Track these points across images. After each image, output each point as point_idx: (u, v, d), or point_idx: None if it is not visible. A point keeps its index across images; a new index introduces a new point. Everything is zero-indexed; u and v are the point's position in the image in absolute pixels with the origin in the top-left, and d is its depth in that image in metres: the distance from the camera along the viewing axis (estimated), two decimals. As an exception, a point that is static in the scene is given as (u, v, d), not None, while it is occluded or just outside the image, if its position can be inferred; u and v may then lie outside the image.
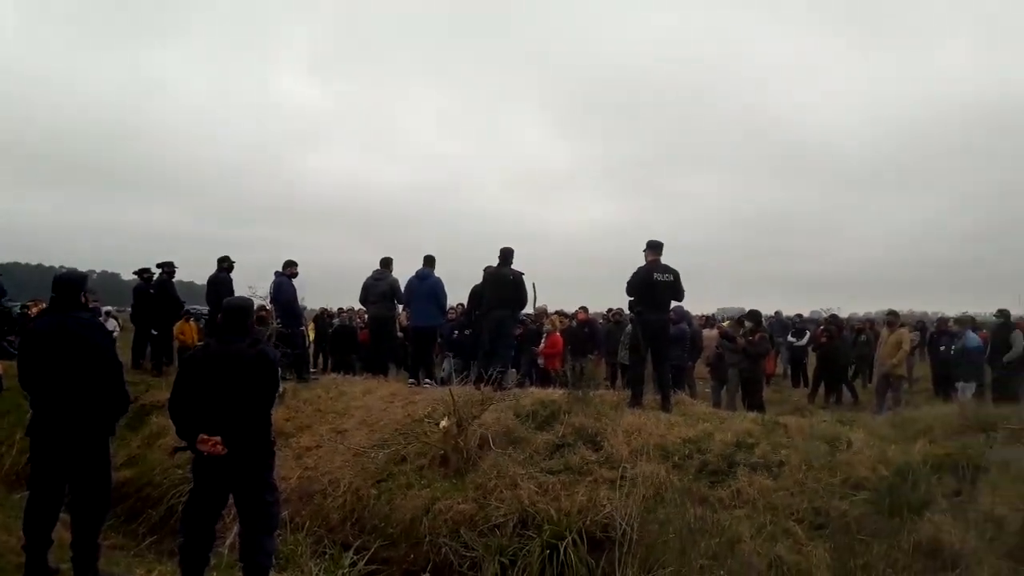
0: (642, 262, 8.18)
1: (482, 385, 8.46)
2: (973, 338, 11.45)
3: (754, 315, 11.22)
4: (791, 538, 5.38)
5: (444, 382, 10.75)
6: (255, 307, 7.55)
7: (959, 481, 5.82)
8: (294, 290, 10.48)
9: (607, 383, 11.58)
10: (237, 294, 9.02)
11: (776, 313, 19.19)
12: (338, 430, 8.01)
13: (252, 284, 10.52)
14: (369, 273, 10.63)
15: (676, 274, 8.11)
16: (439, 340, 12.15)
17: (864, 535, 5.06)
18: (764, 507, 5.77)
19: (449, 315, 12.36)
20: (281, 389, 7.83)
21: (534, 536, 5.60)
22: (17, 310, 15.55)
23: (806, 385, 14.86)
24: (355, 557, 5.42)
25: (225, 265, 11.12)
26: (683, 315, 11.60)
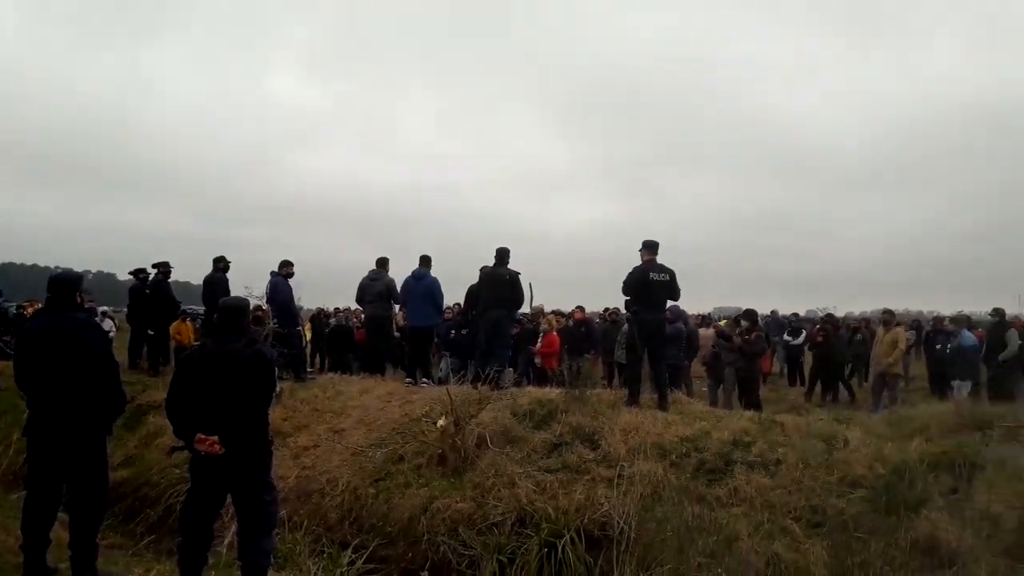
0: (638, 262, 8.19)
1: (479, 384, 8.46)
2: (969, 337, 11.48)
3: (750, 314, 11.24)
4: (788, 536, 5.39)
5: (441, 382, 10.75)
6: (251, 307, 7.56)
7: (955, 479, 5.84)
8: (290, 290, 10.47)
9: (604, 382, 11.61)
10: (233, 294, 9.01)
11: (772, 312, 19.24)
12: (335, 429, 8.01)
13: (248, 284, 10.52)
14: (366, 273, 10.62)
15: (672, 273, 8.12)
16: (436, 340, 12.15)
17: (861, 533, 5.08)
18: (761, 505, 5.79)
19: (446, 315, 12.35)
20: (278, 389, 7.80)
21: (532, 535, 5.62)
22: (13, 310, 15.49)
23: (802, 384, 14.87)
24: (353, 556, 5.43)
25: (221, 265, 11.11)
26: (679, 314, 11.60)
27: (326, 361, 15.84)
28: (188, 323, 13.19)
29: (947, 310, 18.24)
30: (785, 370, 16.70)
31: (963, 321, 12.35)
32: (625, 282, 8.15)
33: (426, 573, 5.59)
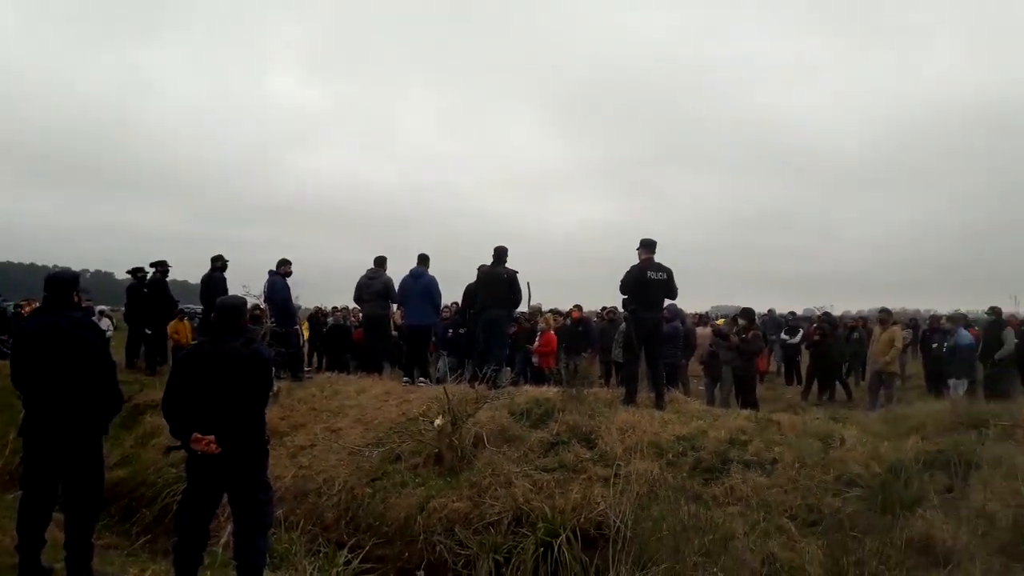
0: (636, 261, 8.19)
1: (477, 383, 8.46)
2: (965, 335, 11.49)
3: (747, 313, 11.25)
4: (784, 535, 5.39)
5: (439, 381, 10.75)
6: (249, 306, 7.56)
7: (951, 478, 5.83)
8: (288, 289, 10.48)
9: (601, 381, 11.62)
10: (231, 293, 9.00)
11: (769, 311, 19.22)
12: (332, 429, 8.01)
13: (246, 283, 10.50)
14: (364, 272, 10.62)
15: (669, 272, 8.12)
16: (433, 339, 12.15)
17: (857, 531, 5.07)
18: (757, 504, 5.79)
19: (444, 314, 12.36)
20: (275, 388, 7.84)
21: (528, 534, 5.62)
22: (11, 309, 15.49)
23: (799, 383, 14.88)
24: (349, 555, 5.43)
25: (219, 264, 11.10)
26: (677, 313, 11.62)
27: (323, 360, 15.85)
28: (186, 322, 13.20)
29: (944, 309, 18.23)
30: (782, 369, 16.73)
31: (960, 320, 12.36)
32: (623, 281, 8.16)
33: (422, 572, 5.58)
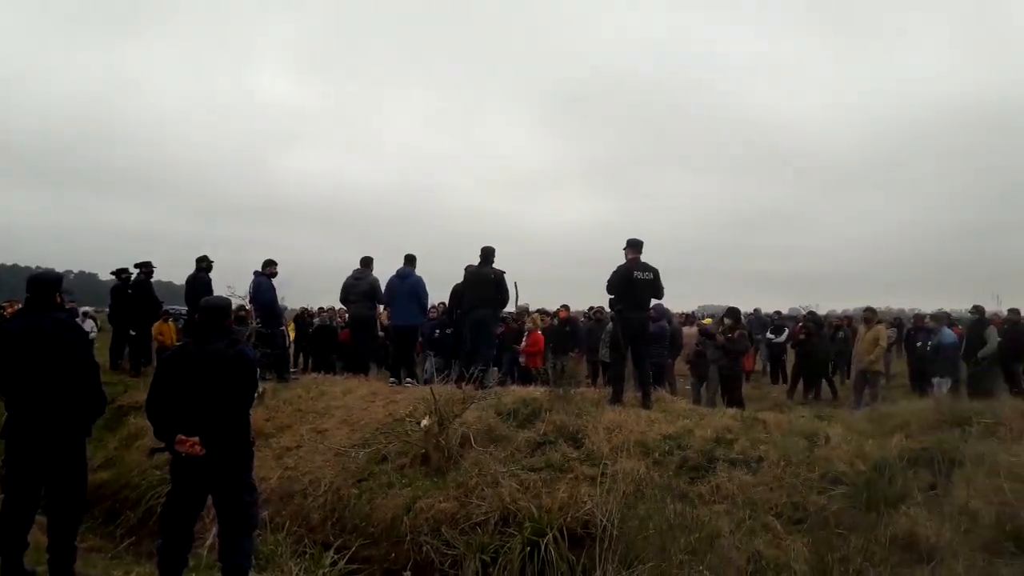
0: (623, 260, 8.21)
1: (464, 384, 8.45)
2: (949, 334, 11.59)
3: (733, 312, 11.30)
4: (770, 533, 5.42)
5: (426, 381, 10.73)
6: (234, 307, 7.52)
7: (935, 475, 5.88)
8: (274, 290, 10.43)
9: (588, 381, 11.63)
10: (216, 294, 8.95)
11: (755, 310, 19.32)
12: (318, 430, 7.98)
13: (231, 284, 10.45)
14: (350, 273, 10.58)
15: (656, 272, 8.14)
16: (420, 339, 12.13)
17: (842, 529, 5.11)
18: (743, 502, 5.81)
19: (430, 314, 12.34)
20: (261, 389, 7.81)
21: (515, 533, 5.61)
22: (-7, 311, 15.34)
23: (785, 381, 14.96)
24: (335, 556, 5.40)
25: (204, 265, 11.05)
26: (663, 313, 11.65)
27: (310, 361, 15.80)
28: (170, 323, 13.13)
29: (928, 308, 18.37)
30: (768, 368, 16.80)
31: (943, 319, 12.48)
32: (609, 281, 8.17)
33: (409, 573, 5.56)
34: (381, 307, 10.69)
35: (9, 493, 4.26)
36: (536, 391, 8.27)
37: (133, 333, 11.41)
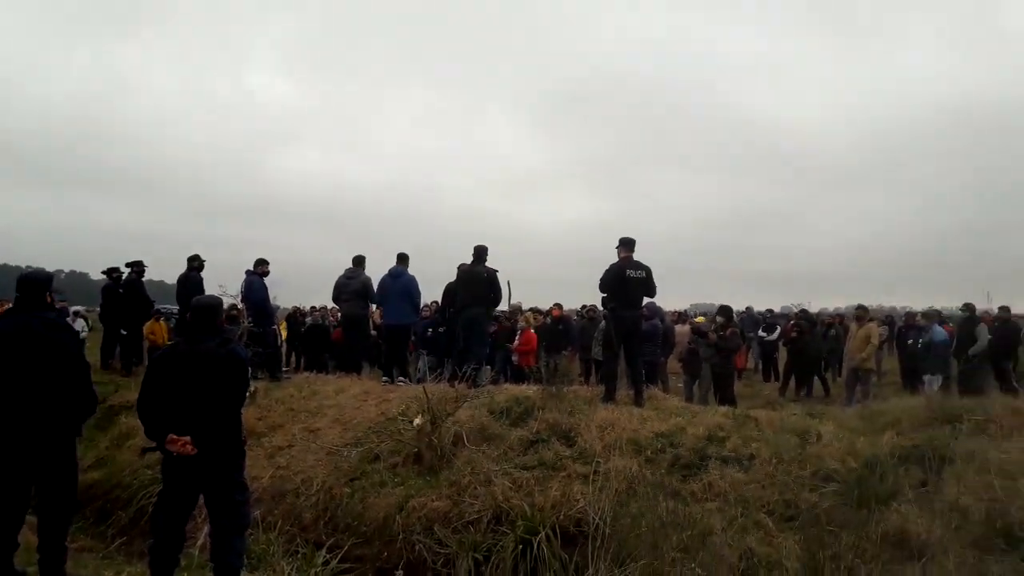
0: (615, 259, 8.22)
1: (456, 382, 8.46)
2: (940, 332, 11.63)
3: (725, 310, 11.33)
4: (762, 530, 5.44)
5: (419, 380, 10.72)
6: (226, 306, 7.49)
7: (925, 472, 5.91)
8: (266, 289, 10.39)
9: (581, 379, 11.62)
10: (207, 293, 8.92)
11: (747, 308, 19.38)
12: (311, 429, 7.96)
13: (222, 283, 10.41)
14: (342, 271, 10.56)
15: (648, 270, 8.16)
16: (413, 338, 12.12)
17: (833, 526, 5.11)
18: (735, 500, 5.83)
19: (423, 313, 12.33)
20: (252, 388, 7.79)
21: (508, 532, 5.62)
22: (-17, 310, 15.25)
23: (777, 379, 15.01)
24: (328, 556, 5.40)
25: (195, 264, 11.01)
26: (655, 311, 11.65)
27: (302, 360, 15.75)
28: (162, 323, 13.05)
29: (919, 306, 18.40)
30: (760, 366, 16.82)
31: (934, 316, 12.51)
32: (602, 279, 8.17)
33: (401, 572, 5.55)
34: (374, 306, 10.68)
35: (-1, 493, 4.24)
36: (529, 389, 8.27)
37: (124, 332, 11.35)
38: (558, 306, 14.08)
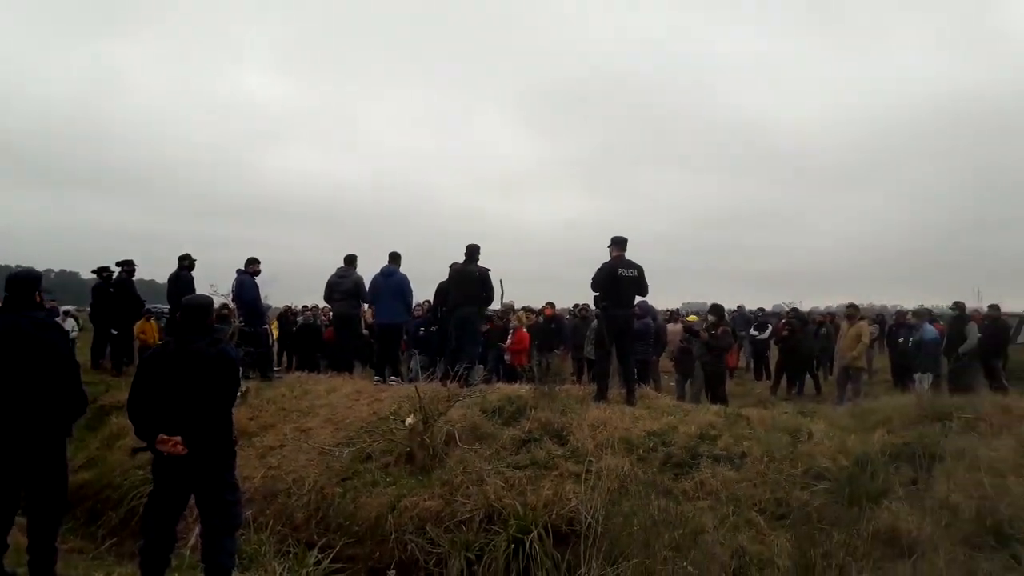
0: (608, 258, 8.22)
1: (448, 382, 8.45)
2: (930, 330, 11.69)
3: (717, 309, 11.35)
4: (753, 528, 5.46)
5: (411, 379, 10.70)
6: (217, 305, 7.46)
7: (916, 470, 5.93)
8: (257, 288, 10.35)
9: (573, 378, 11.64)
10: (198, 292, 8.89)
11: (739, 307, 19.44)
12: (302, 429, 7.93)
13: (213, 282, 10.37)
14: (334, 271, 10.53)
15: (640, 269, 8.17)
16: (405, 337, 12.10)
17: (824, 524, 5.12)
18: (727, 498, 5.85)
19: (415, 312, 12.31)
20: (244, 388, 7.76)
21: (500, 531, 5.62)
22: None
23: (768, 378, 15.05)
24: (320, 556, 5.38)
25: (186, 263, 10.98)
26: (648, 310, 11.67)
27: (293, 360, 15.72)
28: (152, 322, 13.02)
29: (909, 304, 18.49)
30: (751, 364, 16.88)
31: (925, 315, 12.57)
32: (594, 278, 8.18)
33: (393, 572, 5.54)
34: (365, 305, 10.65)
35: (-12, 494, 4.22)
36: (521, 389, 8.28)
37: (115, 332, 11.30)
38: (550, 305, 14.10)
